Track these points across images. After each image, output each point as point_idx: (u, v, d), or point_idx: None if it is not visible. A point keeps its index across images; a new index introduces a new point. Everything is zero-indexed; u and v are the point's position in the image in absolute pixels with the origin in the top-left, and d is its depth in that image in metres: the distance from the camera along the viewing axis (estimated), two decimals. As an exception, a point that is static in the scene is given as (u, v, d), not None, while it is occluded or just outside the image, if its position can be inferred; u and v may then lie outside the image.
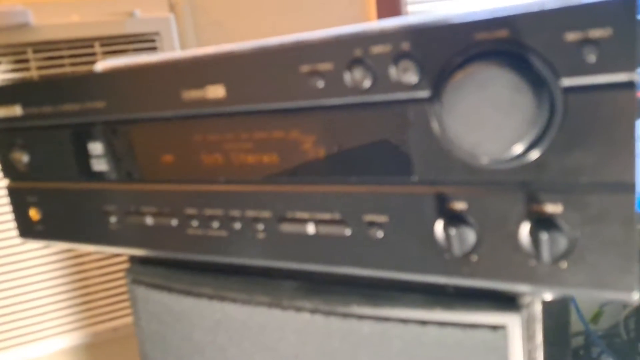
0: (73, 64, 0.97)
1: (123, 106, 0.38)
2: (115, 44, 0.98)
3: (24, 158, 0.44)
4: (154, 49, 1.03)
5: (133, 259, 0.51)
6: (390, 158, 0.29)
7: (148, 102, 0.36)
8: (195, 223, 0.37)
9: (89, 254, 1.05)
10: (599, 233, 0.24)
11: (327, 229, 0.32)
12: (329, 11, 1.10)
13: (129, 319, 1.09)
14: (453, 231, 0.27)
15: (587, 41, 0.23)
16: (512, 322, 0.31)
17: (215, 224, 0.36)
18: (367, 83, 0.28)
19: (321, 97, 0.30)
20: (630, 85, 0.23)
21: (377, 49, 0.27)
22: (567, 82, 0.24)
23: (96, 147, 0.40)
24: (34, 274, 1.01)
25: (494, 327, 0.32)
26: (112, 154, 0.40)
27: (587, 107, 0.24)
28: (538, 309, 0.33)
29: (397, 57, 0.27)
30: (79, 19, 0.95)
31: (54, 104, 0.41)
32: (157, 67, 0.35)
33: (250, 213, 0.35)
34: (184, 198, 0.38)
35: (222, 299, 0.42)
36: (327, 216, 0.32)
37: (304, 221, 0.33)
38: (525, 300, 0.32)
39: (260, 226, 0.35)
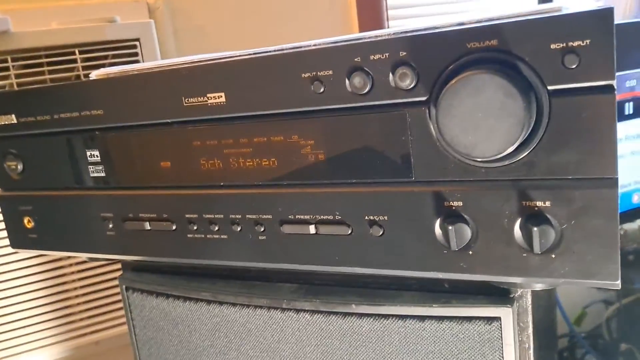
0: (52, 72, 0.96)
1: (122, 114, 0.38)
2: (95, 51, 0.98)
3: (18, 167, 0.44)
4: (134, 55, 1.02)
5: (125, 267, 0.51)
6: (390, 160, 0.30)
7: (149, 109, 0.37)
8: (195, 227, 0.38)
9: (69, 264, 1.03)
10: (584, 225, 0.26)
11: (328, 229, 0.33)
12: (311, 18, 1.11)
13: (111, 332, 1.07)
14: (451, 227, 0.28)
15: (569, 50, 0.25)
16: (505, 314, 0.33)
17: (216, 228, 0.37)
18: (366, 88, 0.30)
19: (322, 102, 0.31)
20: (608, 89, 0.25)
21: (376, 57, 0.29)
22: (552, 87, 0.26)
23: (94, 155, 0.41)
24: (10, 287, 0.99)
25: (489, 319, 0.34)
26: (111, 161, 0.41)
27: (570, 110, 0.26)
28: (528, 301, 0.35)
29: (396, 64, 0.28)
30: (59, 26, 0.94)
31: (51, 113, 0.41)
32: (158, 75, 0.36)
33: (251, 216, 0.36)
34: (184, 203, 0.38)
35: (221, 302, 0.43)
36: (328, 217, 0.33)
37: (305, 222, 0.34)
38: (517, 293, 0.34)
39: (261, 228, 0.36)
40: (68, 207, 0.44)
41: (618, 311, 1.11)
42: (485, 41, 0.26)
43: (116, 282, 1.04)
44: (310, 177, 0.34)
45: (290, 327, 0.40)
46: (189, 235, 0.39)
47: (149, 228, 0.40)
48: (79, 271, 1.03)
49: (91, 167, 0.41)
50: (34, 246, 0.47)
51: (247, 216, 0.36)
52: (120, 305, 1.06)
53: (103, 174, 0.41)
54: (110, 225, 0.42)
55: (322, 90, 0.31)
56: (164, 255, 0.41)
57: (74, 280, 1.03)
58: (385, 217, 0.31)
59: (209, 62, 0.35)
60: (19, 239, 0.47)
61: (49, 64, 0.94)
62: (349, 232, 0.33)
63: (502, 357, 0.34)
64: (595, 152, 0.25)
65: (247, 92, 0.33)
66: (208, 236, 0.38)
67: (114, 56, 0.99)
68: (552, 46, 0.25)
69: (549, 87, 0.26)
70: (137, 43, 1.00)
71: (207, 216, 0.38)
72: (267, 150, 0.35)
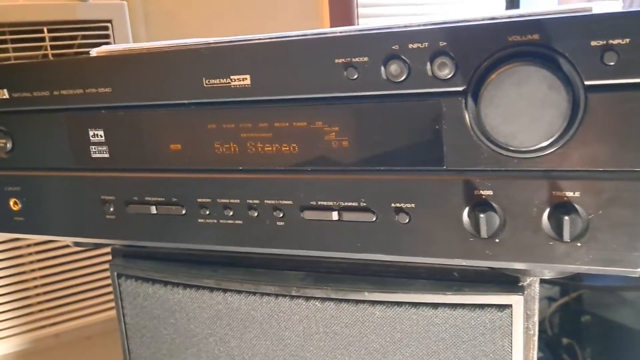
0: (17, 49, 0.90)
1: (134, 93, 0.36)
2: (65, 30, 0.93)
3: (7, 145, 0.41)
4: (106, 37, 0.97)
5: (115, 253, 0.49)
6: (421, 148, 0.31)
7: (165, 89, 0.36)
8: (207, 212, 0.37)
9: (28, 253, 0.98)
10: (610, 215, 0.28)
11: (352, 216, 0.33)
12: (281, 10, 1.12)
13: (72, 324, 1.02)
14: (482, 215, 0.29)
15: (608, 48, 0.26)
16: (516, 301, 0.35)
17: (231, 213, 0.36)
18: (402, 76, 0.30)
19: (354, 89, 0.31)
20: (642, 86, 0.26)
21: (415, 45, 0.29)
22: (589, 82, 0.27)
23: (98, 135, 0.39)
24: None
25: (501, 307, 0.35)
26: (116, 141, 0.39)
27: (605, 104, 0.27)
28: (536, 289, 0.36)
29: (435, 54, 0.29)
30: (26, 1, 0.89)
31: (50, 89, 0.38)
32: (177, 53, 0.35)
33: (270, 201, 0.35)
34: (197, 187, 0.37)
35: (225, 290, 0.42)
36: (352, 203, 0.33)
37: (328, 208, 0.34)
38: (526, 282, 0.35)
39: (280, 214, 0.35)
40: (63, 189, 0.41)
41: (561, 307, 1.18)
42: (527, 35, 0.27)
43: (79, 272, 1.00)
44: (335, 164, 0.33)
45: (298, 314, 0.40)
46: (199, 220, 0.38)
47: (155, 212, 0.39)
48: (38, 260, 0.98)
49: (93, 147, 0.39)
50: (19, 229, 0.44)
51: (266, 201, 0.35)
52: (83, 296, 1.02)
53: (107, 155, 0.39)
54: (111, 209, 0.40)
55: (355, 76, 0.31)
56: (170, 240, 0.40)
57: (33, 270, 0.98)
58: (413, 205, 0.32)
59: (234, 44, 0.34)
60: (2, 222, 0.44)
61: (14, 41, 0.89)
62: (374, 219, 0.33)
63: (511, 343, 0.35)
64: (626, 145, 0.27)
65: (274, 75, 0.33)
66: (221, 221, 0.37)
67: (84, 37, 0.95)
68: (593, 43, 0.26)
69: (586, 82, 0.27)
70: (109, 25, 0.96)
71: (222, 201, 0.37)
72: (288, 135, 0.34)
